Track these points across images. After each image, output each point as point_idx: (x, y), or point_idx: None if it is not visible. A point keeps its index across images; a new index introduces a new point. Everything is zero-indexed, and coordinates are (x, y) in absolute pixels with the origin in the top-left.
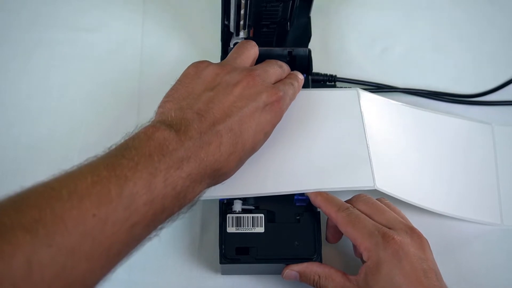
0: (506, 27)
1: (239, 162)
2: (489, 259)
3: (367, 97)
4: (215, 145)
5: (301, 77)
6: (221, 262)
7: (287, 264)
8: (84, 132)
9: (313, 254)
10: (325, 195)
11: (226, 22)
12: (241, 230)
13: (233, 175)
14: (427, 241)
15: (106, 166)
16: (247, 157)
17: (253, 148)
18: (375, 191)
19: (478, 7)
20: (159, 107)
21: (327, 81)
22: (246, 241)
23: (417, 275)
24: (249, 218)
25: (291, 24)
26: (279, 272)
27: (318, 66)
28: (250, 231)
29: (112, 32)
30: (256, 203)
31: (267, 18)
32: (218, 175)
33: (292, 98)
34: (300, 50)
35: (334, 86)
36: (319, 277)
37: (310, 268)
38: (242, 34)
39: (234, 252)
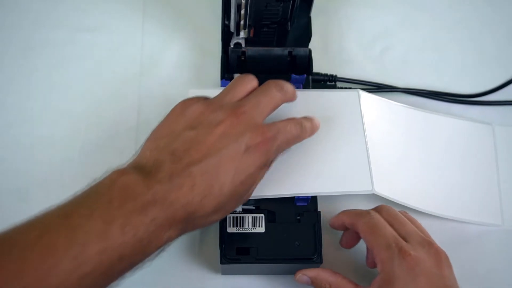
0: (506, 27)
1: (217, 205)
2: (490, 260)
3: (367, 98)
4: (187, 187)
5: (316, 122)
6: (221, 262)
7: (288, 263)
8: (84, 132)
9: (314, 254)
10: (347, 212)
11: (226, 22)
12: (242, 230)
13: None
14: (446, 257)
15: (59, 216)
16: (229, 201)
17: (235, 191)
18: (375, 196)
19: (478, 7)
20: (143, 144)
21: (327, 81)
22: (247, 241)
23: None
24: (249, 218)
25: (291, 24)
26: (279, 272)
27: (318, 66)
28: (250, 231)
29: (112, 32)
30: (256, 203)
31: (268, 18)
32: (193, 219)
33: (295, 139)
34: (300, 50)
35: (335, 86)
36: (330, 286)
37: (322, 275)
38: (242, 34)
39: (234, 252)
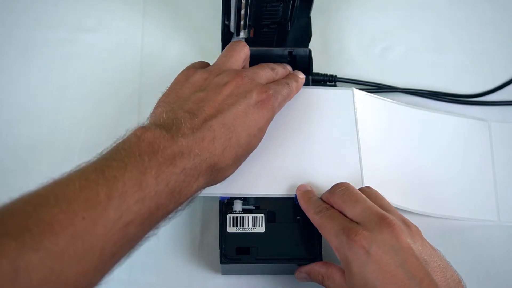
0: (505, 27)
1: (235, 157)
2: (486, 256)
3: (362, 97)
4: (208, 139)
5: (301, 76)
6: (221, 262)
7: (288, 263)
8: (84, 132)
9: (314, 254)
10: (307, 197)
11: (226, 22)
12: (242, 230)
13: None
14: (405, 225)
15: (95, 170)
16: (244, 153)
17: (249, 144)
18: None
19: (477, 7)
20: (151, 113)
21: (328, 81)
22: (247, 241)
23: (390, 269)
24: (249, 218)
25: (291, 24)
26: (279, 272)
27: (319, 66)
28: (250, 231)
29: (112, 32)
30: (256, 203)
31: (268, 18)
32: (216, 171)
33: (287, 97)
34: (301, 50)
35: (335, 86)
36: (323, 277)
37: (315, 268)
38: (242, 34)
39: (234, 252)
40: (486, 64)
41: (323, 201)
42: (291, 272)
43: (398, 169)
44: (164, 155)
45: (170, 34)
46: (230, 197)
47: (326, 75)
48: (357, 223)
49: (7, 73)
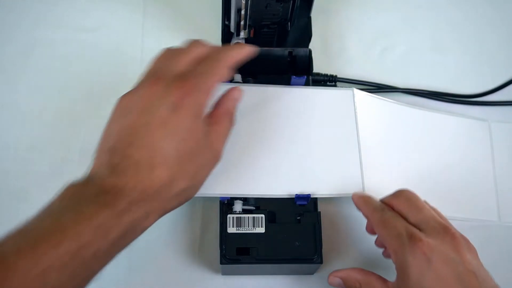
0: (505, 28)
1: (173, 173)
2: (486, 256)
3: (362, 97)
4: (132, 169)
5: (236, 48)
6: (221, 263)
7: (288, 264)
8: (84, 132)
9: (314, 255)
10: (365, 197)
11: (226, 22)
12: (242, 230)
13: (226, 174)
14: (466, 241)
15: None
16: (188, 162)
17: (185, 151)
18: None
19: (477, 8)
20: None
21: (328, 81)
22: (247, 241)
23: (448, 281)
24: (249, 219)
25: (291, 24)
26: (279, 273)
27: (319, 66)
28: (250, 232)
29: (112, 32)
30: (256, 204)
31: (268, 18)
32: (156, 196)
33: (215, 73)
34: (301, 50)
35: (335, 86)
36: (360, 284)
37: (351, 275)
38: (242, 34)
39: (234, 252)
40: (486, 64)
41: (384, 203)
42: (291, 273)
43: (398, 169)
44: (91, 209)
45: (170, 34)
46: (230, 198)
47: (326, 75)
48: (419, 229)
49: (7, 73)
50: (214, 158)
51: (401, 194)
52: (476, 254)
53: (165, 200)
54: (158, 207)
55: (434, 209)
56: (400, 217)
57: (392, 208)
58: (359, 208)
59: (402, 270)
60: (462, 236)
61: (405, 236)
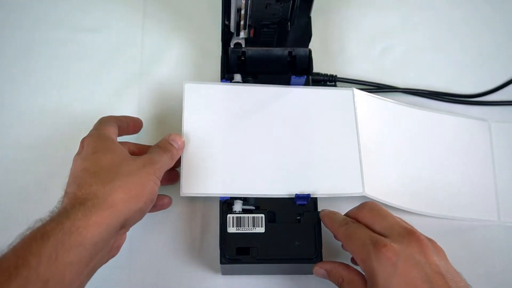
0: (505, 28)
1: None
2: (486, 256)
3: (362, 97)
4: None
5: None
6: (221, 262)
7: (288, 263)
8: (84, 132)
9: (314, 254)
10: (330, 214)
11: (226, 22)
12: (242, 230)
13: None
14: (431, 243)
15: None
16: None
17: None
18: (365, 198)
19: (477, 8)
20: None
21: (328, 81)
22: (247, 241)
23: (416, 284)
24: (249, 218)
25: (291, 24)
26: (279, 272)
27: (319, 66)
28: (250, 231)
29: (112, 32)
30: (256, 203)
31: (268, 18)
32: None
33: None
34: (300, 50)
35: (335, 86)
36: (343, 280)
37: (336, 269)
38: (242, 34)
39: (234, 252)
40: (486, 64)
41: (349, 216)
42: (291, 272)
43: (398, 168)
44: (51, 242)
45: (170, 34)
46: (230, 197)
47: (326, 75)
48: (384, 237)
49: (7, 73)
50: None
51: (364, 206)
52: (445, 255)
53: (128, 218)
54: (118, 222)
55: (398, 218)
56: (364, 227)
57: (357, 220)
58: (325, 225)
59: (370, 278)
60: (428, 238)
61: (370, 244)
